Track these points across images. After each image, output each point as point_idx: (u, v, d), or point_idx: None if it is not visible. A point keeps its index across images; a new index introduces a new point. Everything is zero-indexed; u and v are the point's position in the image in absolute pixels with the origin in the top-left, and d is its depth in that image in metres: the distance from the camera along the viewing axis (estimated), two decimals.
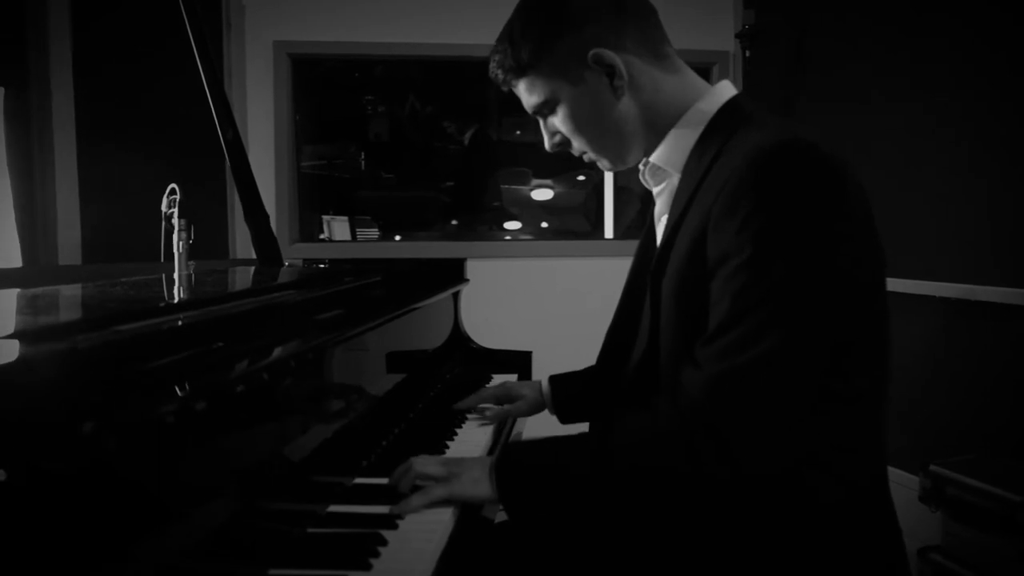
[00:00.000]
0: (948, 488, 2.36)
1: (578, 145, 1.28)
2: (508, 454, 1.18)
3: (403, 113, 4.68)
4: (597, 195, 4.55)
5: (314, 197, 4.42)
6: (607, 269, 3.60)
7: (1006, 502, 2.18)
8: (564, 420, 1.64)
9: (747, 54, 3.88)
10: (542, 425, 1.70)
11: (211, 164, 3.63)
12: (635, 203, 4.55)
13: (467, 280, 2.28)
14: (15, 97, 3.25)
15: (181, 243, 1.61)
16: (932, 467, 2.42)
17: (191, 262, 1.64)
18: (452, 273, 2.24)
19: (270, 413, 1.04)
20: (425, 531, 1.07)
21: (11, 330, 0.77)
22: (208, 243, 3.36)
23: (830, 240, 1.02)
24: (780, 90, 3.78)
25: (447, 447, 1.48)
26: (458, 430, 1.59)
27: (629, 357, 1.25)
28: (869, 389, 1.10)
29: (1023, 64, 2.60)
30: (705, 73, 4.10)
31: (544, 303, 4.10)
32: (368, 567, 0.97)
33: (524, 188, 4.70)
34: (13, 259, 3.09)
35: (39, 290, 1.27)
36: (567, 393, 1.62)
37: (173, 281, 1.52)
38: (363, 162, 4.70)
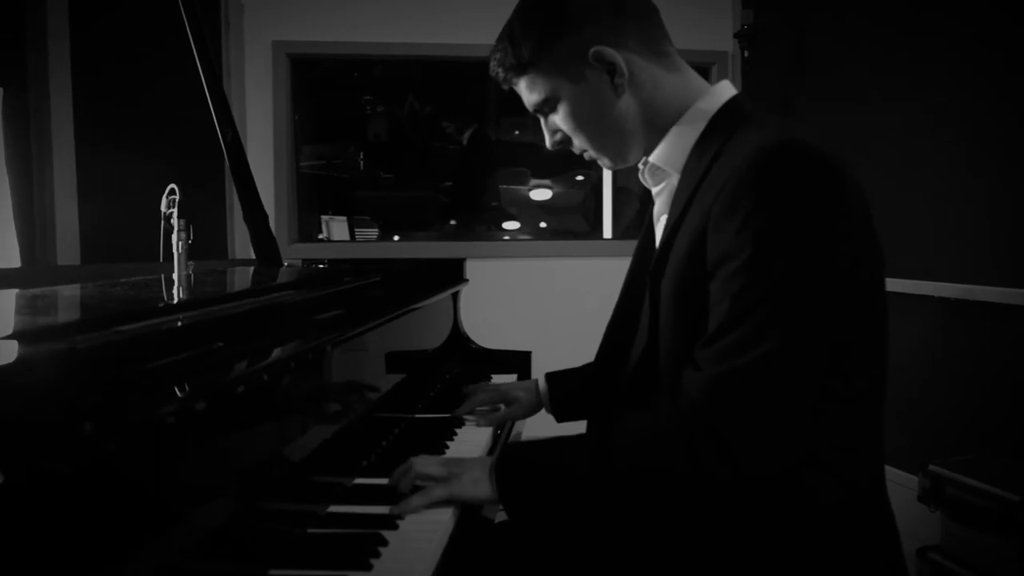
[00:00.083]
0: (947, 488, 2.36)
1: (579, 143, 1.28)
2: (508, 454, 1.18)
3: (402, 113, 4.68)
4: (596, 195, 4.55)
5: (313, 197, 4.42)
6: (606, 269, 3.60)
7: (1005, 502, 2.18)
8: (560, 418, 1.62)
9: (745, 54, 3.88)
10: (541, 425, 1.70)
11: (210, 164, 3.62)
12: (634, 203, 4.55)
13: (466, 280, 2.28)
14: (14, 97, 3.24)
15: (180, 243, 1.61)
16: (931, 467, 2.42)
17: (190, 262, 1.64)
18: (451, 273, 2.24)
19: (270, 413, 1.04)
20: (425, 531, 1.07)
21: (11, 330, 0.77)
22: (207, 243, 3.36)
23: (829, 240, 1.02)
24: (779, 90, 3.78)
25: (447, 447, 1.48)
26: (458, 430, 1.59)
27: (628, 356, 1.25)
28: (869, 389, 1.11)
29: (1022, 64, 2.61)
30: (704, 73, 4.10)
31: (543, 303, 4.10)
32: (369, 567, 0.97)
33: (523, 188, 4.71)
34: (12, 259, 3.09)
35: (39, 290, 1.27)
36: (564, 390, 1.61)
37: (173, 281, 1.52)
38: (362, 162, 4.70)
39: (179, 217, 1.63)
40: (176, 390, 0.82)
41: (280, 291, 1.46)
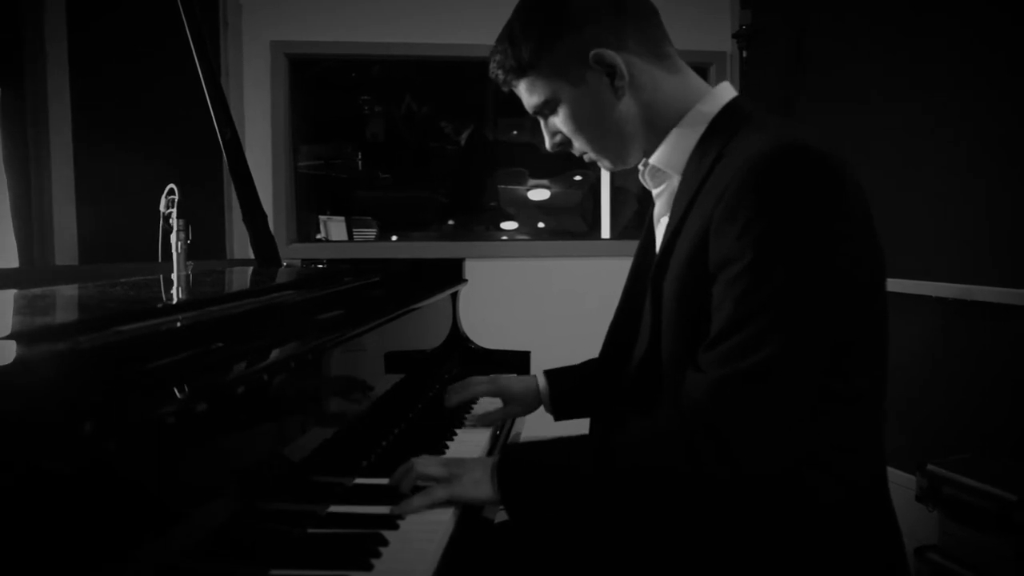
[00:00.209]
0: (945, 487, 2.36)
1: (579, 145, 1.28)
2: (509, 455, 1.18)
3: (399, 113, 4.68)
4: (594, 195, 4.55)
5: (311, 197, 4.42)
6: (604, 269, 3.61)
7: (1003, 501, 2.18)
8: (559, 416, 1.61)
9: (744, 54, 3.88)
10: (541, 424, 1.69)
11: (208, 165, 3.63)
12: (632, 203, 4.55)
13: (466, 280, 2.28)
14: (12, 97, 3.24)
15: (180, 243, 1.60)
16: (929, 466, 2.42)
17: (189, 262, 1.63)
18: (451, 273, 2.24)
19: (270, 414, 1.04)
20: (426, 531, 1.07)
21: (11, 330, 0.77)
22: (205, 243, 3.35)
23: (829, 241, 1.02)
24: (778, 90, 3.79)
25: (447, 447, 1.48)
26: (458, 430, 1.59)
27: (630, 357, 1.25)
28: (869, 389, 1.11)
29: (1022, 64, 2.61)
30: (702, 73, 4.10)
31: (542, 303, 4.10)
32: (369, 567, 0.96)
33: (521, 188, 4.70)
34: (10, 260, 3.08)
35: (38, 290, 1.27)
36: (563, 388, 1.60)
37: (172, 282, 1.52)
38: (360, 162, 4.69)
39: (178, 217, 1.63)
40: (176, 390, 0.82)
41: (280, 291, 1.46)
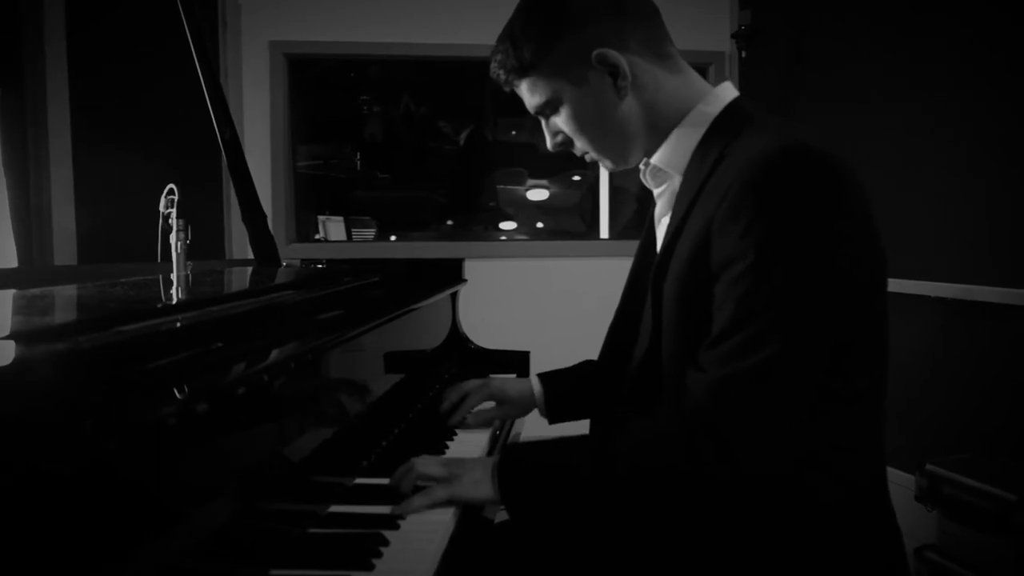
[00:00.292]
0: (944, 487, 2.36)
1: (580, 145, 1.27)
2: (509, 455, 1.18)
3: (397, 113, 4.68)
4: (592, 195, 4.55)
5: (310, 197, 4.42)
6: (603, 269, 3.61)
7: (1002, 501, 2.18)
8: (553, 420, 1.60)
9: (743, 55, 3.88)
10: (541, 425, 1.69)
11: (207, 165, 3.63)
12: (631, 203, 4.55)
13: (465, 280, 2.28)
14: (11, 97, 3.24)
15: (179, 243, 1.60)
16: (928, 466, 2.42)
17: (189, 262, 1.63)
18: (450, 273, 2.24)
19: (270, 414, 1.04)
20: (426, 531, 1.07)
21: (12, 330, 0.77)
22: (204, 244, 3.35)
23: (829, 242, 1.02)
24: (777, 90, 3.79)
25: (447, 447, 1.48)
26: (457, 430, 1.58)
27: (630, 357, 1.25)
28: (869, 389, 1.11)
29: (1022, 64, 2.61)
30: (701, 73, 4.10)
31: (541, 303, 4.11)
32: (371, 567, 0.96)
33: (520, 188, 4.70)
34: (8, 260, 3.08)
35: (39, 290, 1.27)
36: (557, 392, 1.59)
37: (172, 282, 1.52)
38: (358, 162, 4.69)
39: (178, 217, 1.63)
40: (176, 390, 0.82)
41: (280, 291, 1.46)
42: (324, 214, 4.44)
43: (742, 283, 1.02)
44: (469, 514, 1.17)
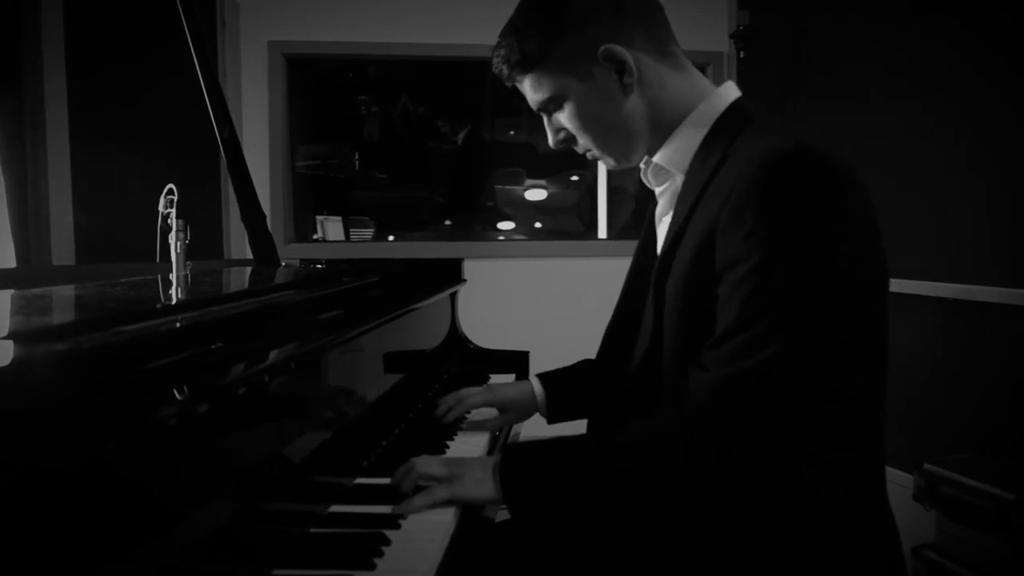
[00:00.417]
0: (942, 487, 2.36)
1: (583, 142, 1.27)
2: (510, 454, 1.18)
3: (396, 113, 4.68)
4: (590, 195, 4.55)
5: (308, 197, 4.41)
6: (602, 269, 3.61)
7: (1000, 501, 2.18)
8: (552, 420, 1.58)
9: (741, 55, 3.88)
10: (541, 424, 1.69)
11: (206, 165, 3.63)
12: (629, 203, 4.55)
13: (465, 280, 2.28)
14: (9, 98, 3.24)
15: (179, 243, 1.60)
16: (926, 466, 2.42)
17: (188, 262, 1.63)
18: (450, 273, 2.23)
19: (270, 414, 1.04)
20: (427, 531, 1.07)
21: (11, 330, 0.77)
22: (203, 244, 3.35)
23: (830, 242, 1.02)
24: (776, 91, 3.79)
25: (447, 447, 1.48)
26: (457, 430, 1.58)
27: (630, 356, 1.25)
28: (869, 389, 1.11)
29: (1022, 64, 2.61)
30: None
31: (539, 303, 4.11)
32: (372, 567, 0.96)
33: (518, 188, 4.70)
34: (7, 260, 3.07)
35: (38, 291, 1.27)
36: (559, 391, 1.58)
37: (171, 282, 1.52)
38: (357, 162, 4.69)
39: (177, 217, 1.63)
40: (176, 391, 0.82)
41: (279, 291, 1.46)
42: (322, 214, 4.44)
43: (747, 284, 1.02)
44: (470, 514, 1.17)
